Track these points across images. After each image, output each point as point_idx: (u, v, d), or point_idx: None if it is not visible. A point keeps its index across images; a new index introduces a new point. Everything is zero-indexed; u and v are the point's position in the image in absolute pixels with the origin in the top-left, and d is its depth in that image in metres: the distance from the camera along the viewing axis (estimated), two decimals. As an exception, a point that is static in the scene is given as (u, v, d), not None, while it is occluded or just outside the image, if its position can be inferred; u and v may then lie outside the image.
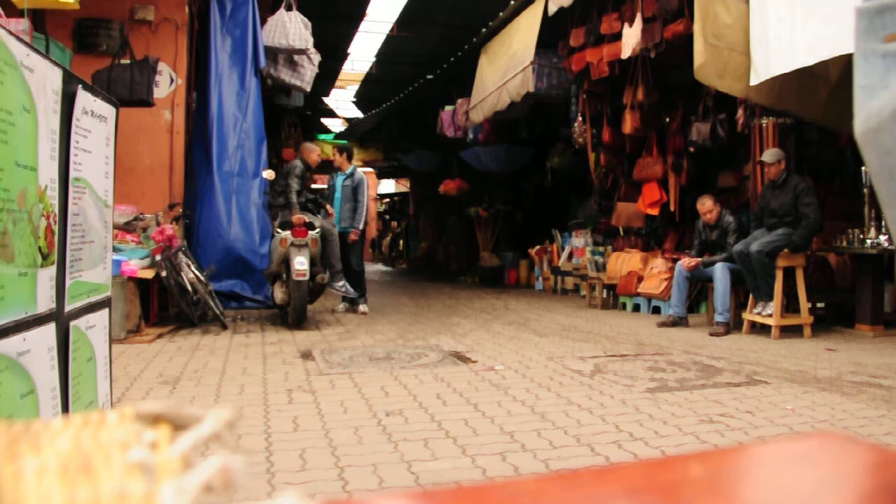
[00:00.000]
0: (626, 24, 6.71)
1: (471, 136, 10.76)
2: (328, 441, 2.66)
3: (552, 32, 7.74)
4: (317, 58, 8.23)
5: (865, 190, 5.79)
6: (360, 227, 7.18)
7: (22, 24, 4.46)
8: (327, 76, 11.66)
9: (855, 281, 6.00)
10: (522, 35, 8.05)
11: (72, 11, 5.88)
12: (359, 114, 16.04)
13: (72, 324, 1.59)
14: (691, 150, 7.23)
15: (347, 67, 12.64)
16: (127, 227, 5.83)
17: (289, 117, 11.95)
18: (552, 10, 7.18)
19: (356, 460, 2.43)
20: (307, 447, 2.57)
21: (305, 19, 7.85)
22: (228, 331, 5.82)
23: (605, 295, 7.93)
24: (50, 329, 1.45)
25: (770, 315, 5.37)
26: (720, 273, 5.72)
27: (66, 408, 1.53)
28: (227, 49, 7.59)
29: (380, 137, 15.96)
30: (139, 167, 6.96)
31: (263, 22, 7.82)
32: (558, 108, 9.24)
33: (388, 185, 23.98)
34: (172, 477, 0.30)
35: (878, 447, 0.44)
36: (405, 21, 9.70)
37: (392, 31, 10.12)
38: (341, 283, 6.61)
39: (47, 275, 1.43)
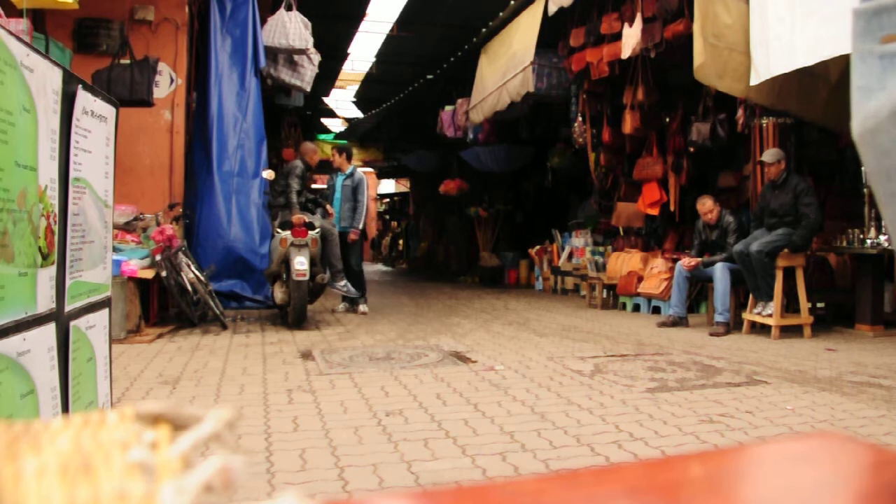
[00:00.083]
0: (626, 24, 6.71)
1: (471, 136, 10.76)
2: (328, 441, 2.66)
3: (552, 32, 7.74)
4: (317, 58, 8.23)
5: (865, 190, 5.80)
6: (360, 226, 7.19)
7: (22, 24, 4.46)
8: (327, 76, 11.66)
9: (855, 281, 6.00)
10: (522, 35, 8.06)
11: (72, 11, 5.88)
12: (359, 114, 16.04)
13: (72, 324, 1.59)
14: (691, 150, 7.23)
15: (347, 67, 12.65)
16: (127, 227, 5.83)
17: (289, 117, 11.95)
18: (552, 10, 7.18)
19: (356, 460, 2.43)
20: (307, 447, 2.57)
21: (305, 19, 7.85)
22: (228, 331, 5.82)
23: (605, 295, 7.93)
24: (50, 329, 1.45)
25: (770, 315, 5.37)
26: (720, 273, 5.72)
27: (66, 408, 1.53)
28: (227, 49, 7.59)
29: (380, 137, 15.97)
30: (139, 167, 6.96)
31: (263, 22, 7.82)
32: (558, 108, 9.24)
33: (388, 185, 23.98)
34: (172, 477, 0.30)
35: (878, 447, 0.44)
36: (405, 21, 9.70)
37: (392, 31, 10.12)
38: (343, 283, 6.62)
39: (47, 275, 1.43)
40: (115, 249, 3.42)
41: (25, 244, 1.30)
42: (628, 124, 7.61)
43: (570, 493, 0.38)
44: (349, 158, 7.44)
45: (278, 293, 6.11)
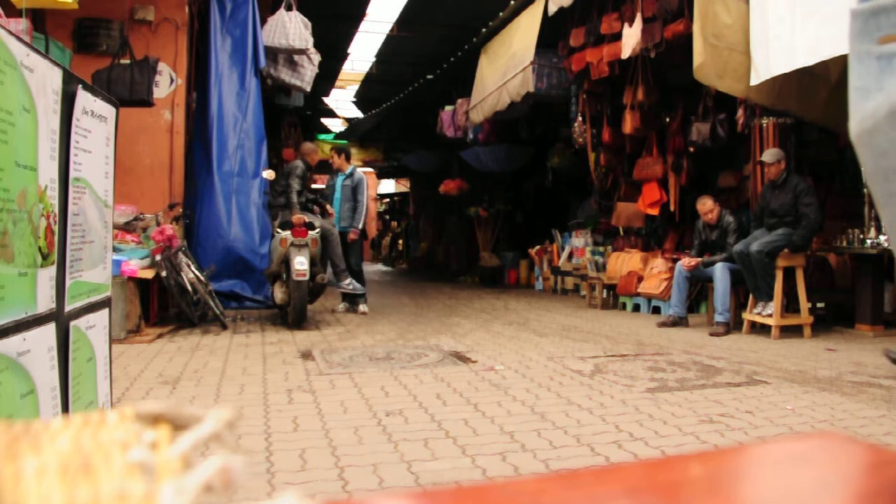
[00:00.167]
0: (626, 24, 6.71)
1: (471, 136, 10.77)
2: (328, 441, 2.66)
3: (552, 32, 7.74)
4: (317, 58, 8.23)
5: (865, 190, 5.80)
6: (360, 226, 7.19)
7: (22, 24, 4.46)
8: (327, 76, 11.66)
9: (855, 281, 6.00)
10: (522, 35, 8.06)
11: (72, 11, 5.89)
12: (359, 114, 16.04)
13: (72, 324, 1.59)
14: (691, 150, 7.23)
15: (347, 67, 12.65)
16: (127, 227, 5.83)
17: (289, 117, 11.95)
18: (552, 10, 7.19)
19: (356, 460, 2.43)
20: (307, 447, 2.57)
21: (305, 19, 7.86)
22: (228, 331, 5.82)
23: (605, 295, 7.93)
24: (50, 329, 1.45)
25: (770, 315, 5.37)
26: (720, 273, 5.72)
27: (66, 408, 1.53)
28: (227, 49, 7.60)
29: (380, 137, 15.97)
30: (139, 167, 6.96)
31: (263, 22, 7.82)
32: (558, 108, 9.24)
33: (388, 185, 23.98)
34: (172, 477, 0.30)
35: (878, 447, 0.44)
36: (405, 21, 9.70)
37: (392, 31, 10.12)
38: (348, 282, 6.63)
39: (47, 275, 1.43)
40: (115, 249, 3.42)
41: (25, 244, 1.30)
42: (628, 124, 7.61)
43: (570, 493, 0.38)
44: (348, 159, 7.44)
45: (278, 293, 6.11)
